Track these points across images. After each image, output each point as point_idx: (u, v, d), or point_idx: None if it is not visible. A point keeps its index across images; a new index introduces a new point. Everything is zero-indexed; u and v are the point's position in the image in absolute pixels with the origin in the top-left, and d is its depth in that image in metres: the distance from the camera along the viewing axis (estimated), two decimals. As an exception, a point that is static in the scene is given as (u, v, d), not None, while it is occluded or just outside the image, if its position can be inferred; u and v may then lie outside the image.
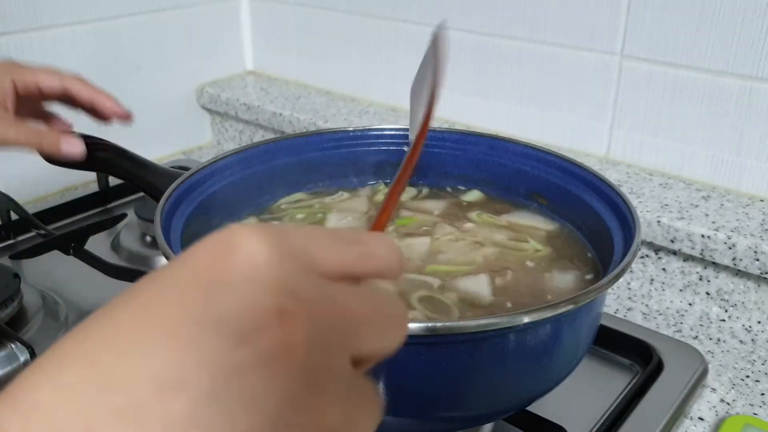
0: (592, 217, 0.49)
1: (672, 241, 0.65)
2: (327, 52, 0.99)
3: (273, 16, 1.03)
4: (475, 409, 0.39)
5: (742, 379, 0.57)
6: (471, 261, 0.49)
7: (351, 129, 0.58)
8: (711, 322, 0.64)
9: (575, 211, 0.52)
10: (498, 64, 0.82)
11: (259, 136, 1.01)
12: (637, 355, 0.57)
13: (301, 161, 0.56)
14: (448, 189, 0.59)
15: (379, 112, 0.92)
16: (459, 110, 0.87)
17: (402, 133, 0.58)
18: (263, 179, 0.54)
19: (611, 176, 0.73)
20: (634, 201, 0.68)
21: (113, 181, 0.83)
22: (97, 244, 0.73)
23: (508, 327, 0.35)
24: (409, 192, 0.58)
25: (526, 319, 0.35)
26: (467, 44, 0.84)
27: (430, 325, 0.33)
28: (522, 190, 0.56)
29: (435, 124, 0.88)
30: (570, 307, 0.36)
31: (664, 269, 0.68)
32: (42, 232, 0.71)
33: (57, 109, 0.59)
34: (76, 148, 0.54)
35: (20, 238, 0.75)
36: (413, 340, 0.34)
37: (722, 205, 0.67)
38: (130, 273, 0.65)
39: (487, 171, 0.57)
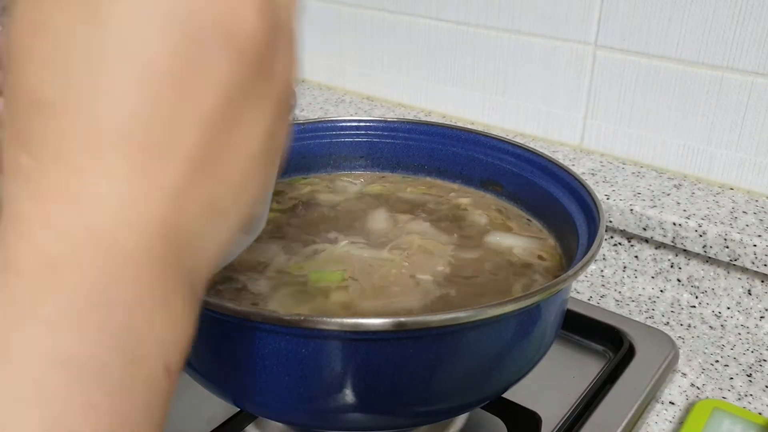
0: (551, 203, 0.50)
1: (644, 229, 0.66)
2: (302, 40, 0.98)
3: (247, 3, 1.02)
4: (447, 401, 0.39)
5: (712, 364, 0.58)
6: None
7: (302, 122, 0.58)
8: (682, 309, 0.65)
9: (533, 197, 0.53)
10: (473, 53, 0.82)
11: (234, 125, 1.00)
12: (609, 341, 0.58)
13: None
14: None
15: (354, 101, 0.92)
16: (434, 99, 0.87)
17: (368, 124, 0.58)
18: None
19: (585, 165, 0.74)
20: (607, 189, 0.69)
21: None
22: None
23: (475, 320, 0.35)
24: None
25: (492, 313, 0.35)
26: (442, 33, 0.84)
27: (397, 320, 0.33)
28: (476, 178, 0.56)
29: (411, 113, 0.88)
30: (536, 299, 0.36)
31: (636, 257, 0.69)
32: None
33: None
34: None
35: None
36: (381, 336, 0.35)
37: (693, 193, 0.68)
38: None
39: (440, 160, 0.57)
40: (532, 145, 0.56)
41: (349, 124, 0.59)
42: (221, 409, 0.49)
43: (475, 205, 0.55)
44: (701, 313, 0.65)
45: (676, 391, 0.55)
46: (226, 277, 0.44)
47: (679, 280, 0.67)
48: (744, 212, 0.65)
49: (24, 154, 0.20)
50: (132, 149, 0.19)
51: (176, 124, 0.20)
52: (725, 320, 0.64)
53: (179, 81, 0.20)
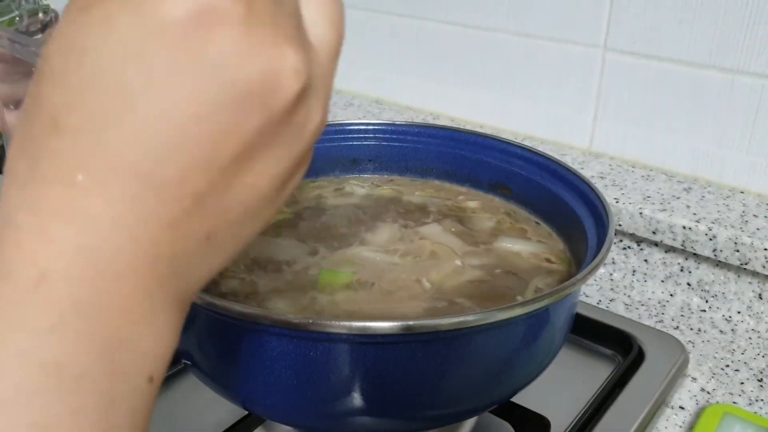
0: (560, 206, 0.50)
1: (654, 233, 0.65)
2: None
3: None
4: (455, 405, 0.39)
5: (722, 369, 0.57)
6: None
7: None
8: (692, 313, 0.65)
9: (541, 200, 0.52)
10: (482, 56, 0.82)
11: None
12: (618, 346, 0.58)
13: None
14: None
15: (363, 105, 0.92)
16: (443, 102, 0.87)
17: (376, 128, 0.58)
18: None
19: (594, 168, 0.74)
20: (616, 193, 0.69)
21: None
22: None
23: (483, 324, 0.35)
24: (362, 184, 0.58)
25: (501, 317, 0.35)
26: (451, 36, 0.84)
27: (405, 323, 0.33)
28: (484, 181, 0.56)
29: (419, 116, 0.88)
30: (545, 302, 0.36)
31: (646, 260, 0.68)
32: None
33: None
34: None
35: None
36: (389, 339, 0.34)
37: (703, 197, 0.68)
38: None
39: (448, 163, 0.57)
40: (540, 148, 0.56)
41: (357, 127, 0.59)
42: (229, 412, 0.49)
43: (484, 208, 0.55)
44: (711, 318, 0.64)
45: (686, 395, 0.54)
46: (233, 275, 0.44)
47: (689, 284, 0.66)
48: (755, 216, 0.64)
49: (27, 165, 0.20)
50: (136, 181, 0.20)
51: (188, 168, 0.20)
52: (736, 324, 0.63)
53: (202, 132, 0.20)
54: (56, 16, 0.45)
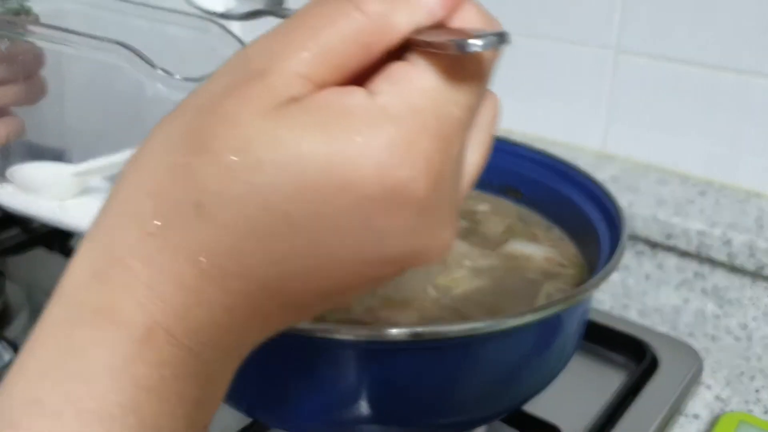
0: (572, 210, 0.49)
1: (668, 237, 0.64)
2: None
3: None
4: (465, 413, 0.39)
5: (737, 376, 0.56)
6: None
7: None
8: (706, 320, 0.64)
9: (552, 204, 0.52)
10: (492, 58, 0.82)
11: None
12: (631, 353, 0.57)
13: None
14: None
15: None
16: (452, 105, 0.87)
17: None
18: None
19: (607, 171, 0.73)
20: (630, 197, 0.68)
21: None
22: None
23: (493, 331, 0.34)
24: None
25: (512, 323, 0.34)
26: (461, 38, 0.83)
27: (414, 330, 0.32)
28: (495, 184, 0.55)
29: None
30: (556, 309, 0.36)
31: (660, 266, 0.67)
32: (25, 229, 0.70)
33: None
34: None
35: (3, 235, 0.75)
36: (397, 346, 0.34)
37: (718, 201, 0.67)
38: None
39: None
40: (552, 150, 0.55)
41: None
42: (234, 419, 0.48)
43: (494, 212, 0.54)
44: (726, 324, 0.63)
45: (701, 403, 0.53)
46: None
47: (703, 290, 0.65)
48: (771, 220, 0.63)
49: (153, 217, 0.20)
50: (257, 288, 0.21)
51: (309, 295, 0.22)
52: (751, 331, 0.62)
53: (337, 277, 0.21)
54: (37, 19, 0.45)
